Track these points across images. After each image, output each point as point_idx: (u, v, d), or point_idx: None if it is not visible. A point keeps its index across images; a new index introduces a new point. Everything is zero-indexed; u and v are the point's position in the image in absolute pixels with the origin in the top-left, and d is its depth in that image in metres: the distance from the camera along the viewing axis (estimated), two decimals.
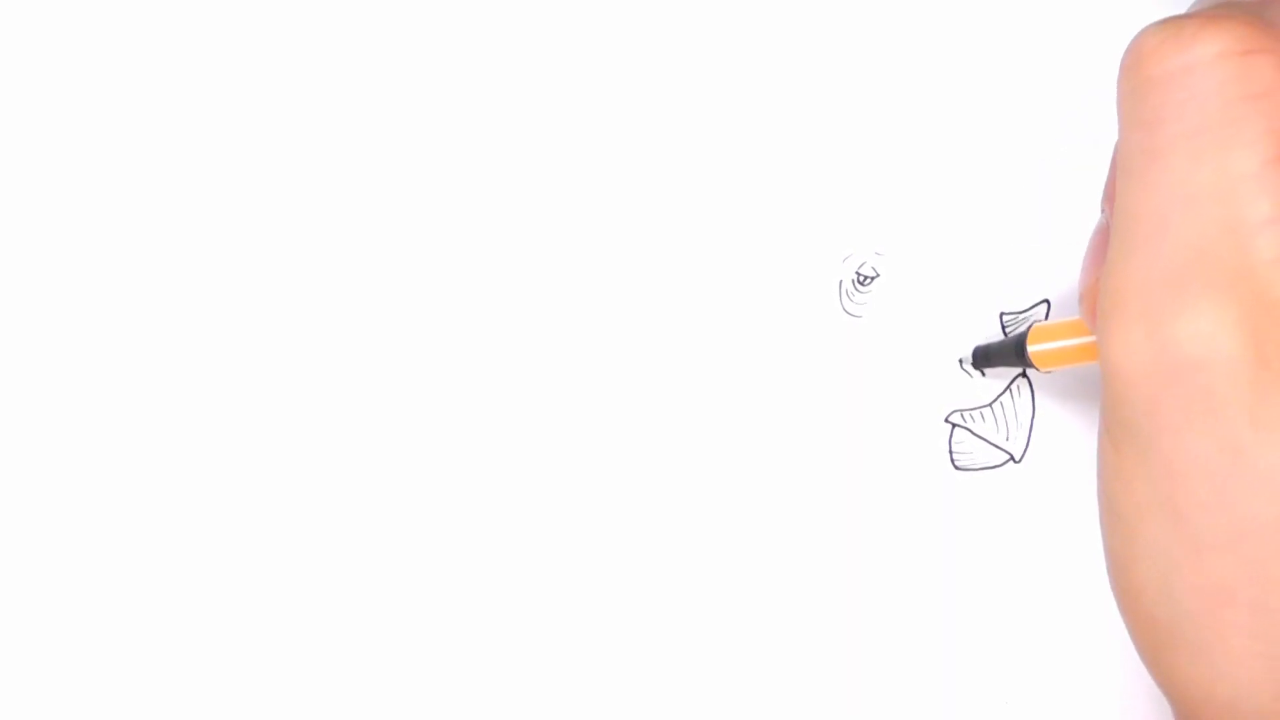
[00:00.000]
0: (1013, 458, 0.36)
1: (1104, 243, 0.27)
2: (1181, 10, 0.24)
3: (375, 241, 0.36)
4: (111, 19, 0.36)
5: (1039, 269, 0.36)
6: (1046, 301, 0.36)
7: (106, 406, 0.36)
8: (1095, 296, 0.27)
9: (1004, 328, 0.36)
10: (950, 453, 0.36)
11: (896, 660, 0.36)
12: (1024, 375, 0.36)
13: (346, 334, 0.36)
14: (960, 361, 0.36)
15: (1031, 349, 0.33)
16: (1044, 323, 0.34)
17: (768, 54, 0.36)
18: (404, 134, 0.36)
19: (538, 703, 0.35)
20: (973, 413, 0.36)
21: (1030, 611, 0.36)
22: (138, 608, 0.35)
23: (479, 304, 0.36)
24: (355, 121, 0.36)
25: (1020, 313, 0.36)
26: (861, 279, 0.36)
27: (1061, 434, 0.36)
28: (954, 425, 0.36)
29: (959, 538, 0.36)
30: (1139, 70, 0.23)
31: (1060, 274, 0.36)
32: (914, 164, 0.36)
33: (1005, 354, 0.35)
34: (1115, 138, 0.32)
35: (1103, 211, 0.28)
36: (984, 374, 0.36)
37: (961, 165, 0.36)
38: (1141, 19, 0.25)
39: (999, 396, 0.36)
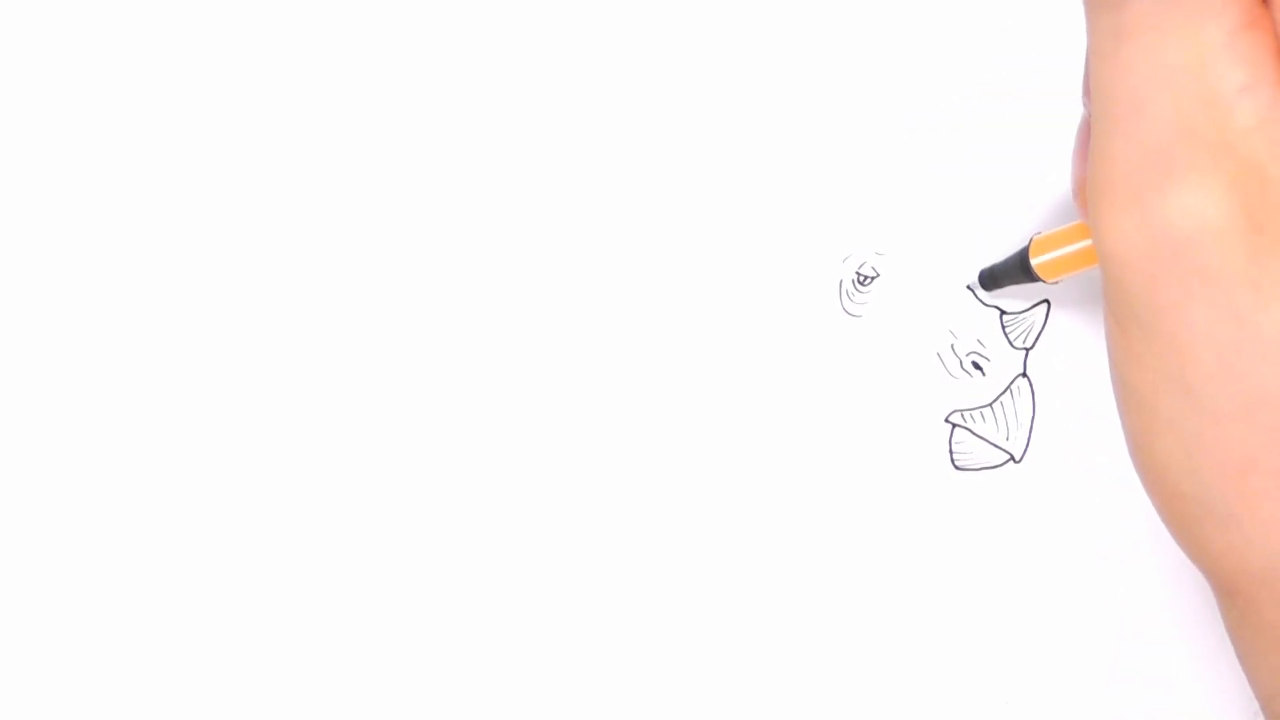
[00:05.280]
0: (1013, 458, 0.36)
1: (1089, 137, 0.27)
2: None
3: (378, 242, 0.36)
4: (111, 19, 0.36)
5: None
6: (1046, 302, 0.36)
7: (106, 406, 0.36)
8: (1085, 191, 0.27)
9: (1004, 328, 0.36)
10: (950, 453, 0.36)
11: (897, 660, 0.36)
12: (1024, 375, 0.36)
13: (347, 334, 0.36)
14: (969, 288, 0.36)
15: (1035, 261, 0.33)
16: (1042, 234, 0.33)
17: (768, 55, 0.36)
18: (406, 135, 0.36)
19: (538, 702, 0.35)
20: (973, 413, 0.36)
21: (1030, 611, 0.36)
22: (138, 607, 0.35)
23: (481, 305, 0.36)
24: (355, 122, 0.36)
25: (1020, 313, 0.36)
26: (861, 279, 0.36)
27: (1061, 434, 0.36)
28: (954, 425, 0.36)
29: (959, 538, 0.36)
30: None
31: None
32: (914, 164, 0.36)
33: (1011, 271, 0.34)
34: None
35: (1084, 106, 0.28)
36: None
37: (961, 166, 0.36)
38: None
39: (999, 396, 0.36)
